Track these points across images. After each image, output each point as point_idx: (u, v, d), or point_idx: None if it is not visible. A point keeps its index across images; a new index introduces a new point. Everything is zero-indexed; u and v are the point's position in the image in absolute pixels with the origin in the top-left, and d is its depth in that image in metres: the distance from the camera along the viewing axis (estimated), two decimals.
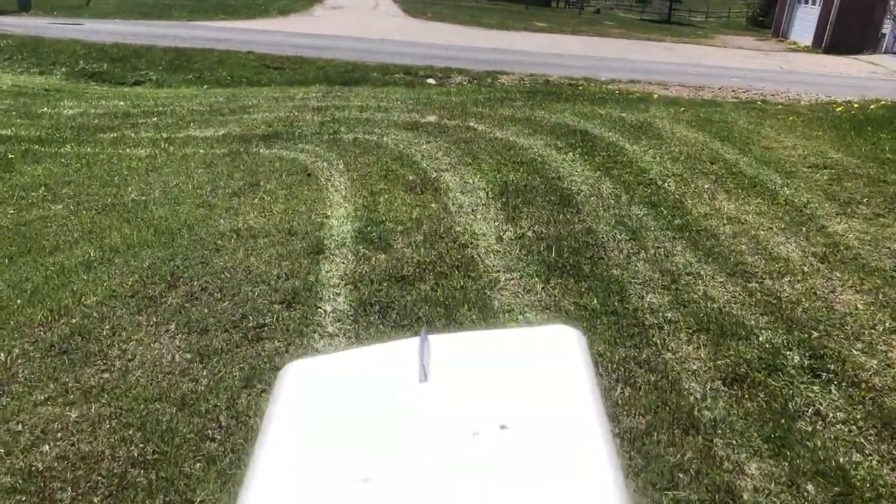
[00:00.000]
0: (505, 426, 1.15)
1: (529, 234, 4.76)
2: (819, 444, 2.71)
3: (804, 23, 24.16)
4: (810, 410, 2.92)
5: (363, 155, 6.65)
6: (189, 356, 3.56)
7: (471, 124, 7.69)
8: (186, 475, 2.77)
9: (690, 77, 14.55)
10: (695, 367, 3.26)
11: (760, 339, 3.44)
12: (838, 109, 9.40)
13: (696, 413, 2.93)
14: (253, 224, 5.14)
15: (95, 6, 18.77)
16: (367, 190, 5.75)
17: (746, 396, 3.03)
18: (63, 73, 11.32)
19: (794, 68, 17.58)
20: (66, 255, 4.95)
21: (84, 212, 5.77)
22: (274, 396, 1.39)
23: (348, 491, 1.07)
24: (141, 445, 2.96)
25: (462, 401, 1.24)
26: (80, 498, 2.70)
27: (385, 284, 4.14)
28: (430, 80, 12.42)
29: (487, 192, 5.61)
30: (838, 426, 2.84)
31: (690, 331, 3.55)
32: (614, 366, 3.25)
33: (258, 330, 3.73)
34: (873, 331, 3.57)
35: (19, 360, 3.59)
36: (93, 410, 3.20)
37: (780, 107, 9.80)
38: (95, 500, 2.68)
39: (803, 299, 3.86)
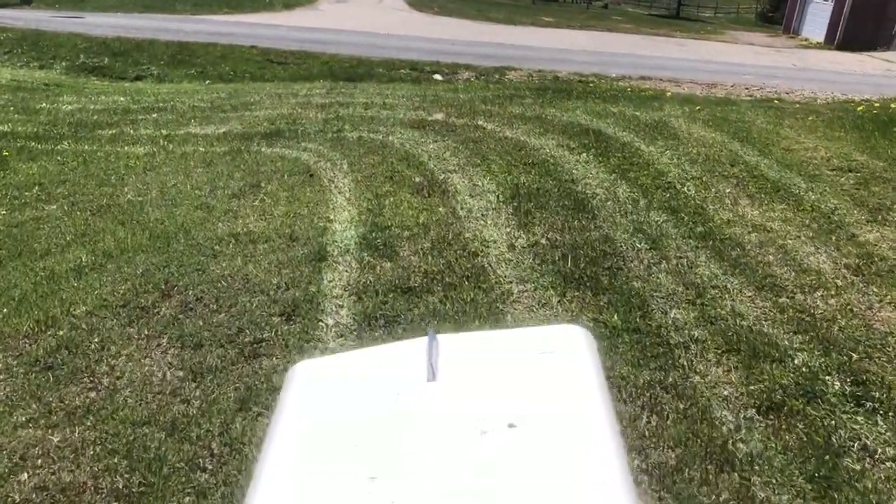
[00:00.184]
0: (513, 425, 1.13)
1: (543, 241, 4.51)
2: (869, 485, 2.46)
3: (816, 19, 23.74)
4: (856, 445, 2.67)
5: (368, 154, 6.40)
6: (181, 374, 3.32)
7: (479, 123, 7.43)
8: None
9: (702, 74, 14.23)
10: (726, 393, 3.00)
11: (796, 361, 3.18)
12: (859, 109, 9.09)
13: (730, 446, 2.67)
14: (253, 228, 4.90)
15: None
16: (371, 192, 5.50)
17: (784, 427, 2.77)
18: (63, 67, 11.09)
19: (807, 65, 17.23)
20: (57, 259, 4.72)
21: (78, 213, 5.54)
22: (282, 396, 1.38)
23: (356, 489, 1.05)
24: (126, 475, 2.72)
25: (470, 400, 1.23)
26: None
27: (391, 296, 3.89)
28: (437, 76, 12.15)
29: (498, 196, 5.35)
30: (888, 464, 2.58)
31: (719, 351, 3.29)
32: (639, 391, 2.99)
33: (255, 345, 3.49)
34: None
35: (1, 376, 3.36)
36: (76, 434, 2.97)
37: (797, 105, 9.49)
38: None
39: (839, 316, 3.60)
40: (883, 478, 2.51)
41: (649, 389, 3.01)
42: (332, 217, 5.08)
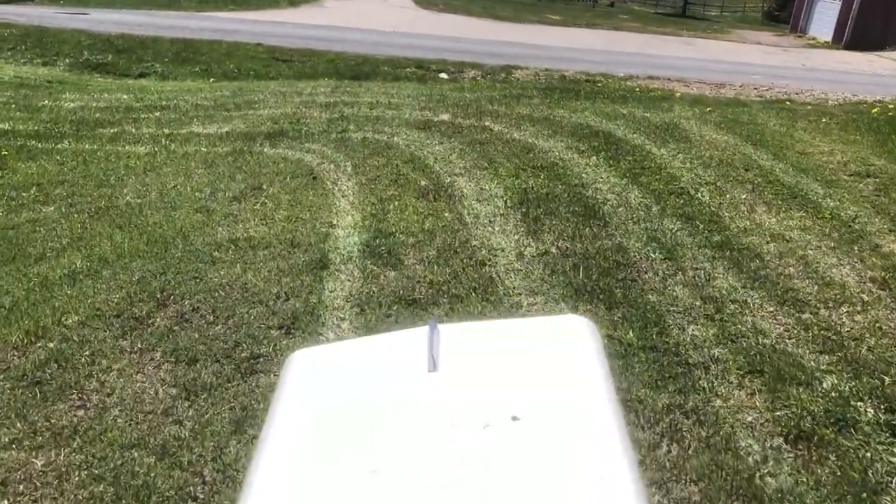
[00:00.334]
0: (516, 417, 1.11)
1: (553, 250, 4.30)
2: None
3: (824, 18, 23.40)
4: (895, 482, 2.46)
5: (372, 156, 6.19)
6: (174, 391, 3.13)
7: (486, 124, 7.21)
8: None
9: (710, 74, 13.97)
10: (750, 419, 2.79)
11: (824, 385, 2.97)
12: (874, 111, 8.84)
13: (757, 481, 2.47)
14: (253, 233, 4.71)
15: None
16: (375, 196, 5.30)
17: (815, 459, 2.56)
18: (67, 64, 10.90)
19: (815, 65, 16.94)
20: (51, 264, 4.54)
21: (76, 215, 5.35)
22: (280, 385, 1.34)
23: (357, 482, 1.02)
24: None
25: (472, 391, 1.19)
26: None
27: (395, 308, 3.69)
28: (443, 75, 11.92)
29: (506, 201, 5.14)
30: None
31: (741, 372, 3.08)
32: (657, 416, 2.79)
33: (252, 361, 3.30)
34: None
35: None
36: (62, 457, 2.78)
37: (809, 107, 9.24)
38: None
39: (867, 335, 3.38)
40: None
41: (669, 414, 2.81)
42: (334, 222, 4.89)
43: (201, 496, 2.56)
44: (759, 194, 5.31)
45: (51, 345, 3.52)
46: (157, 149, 6.96)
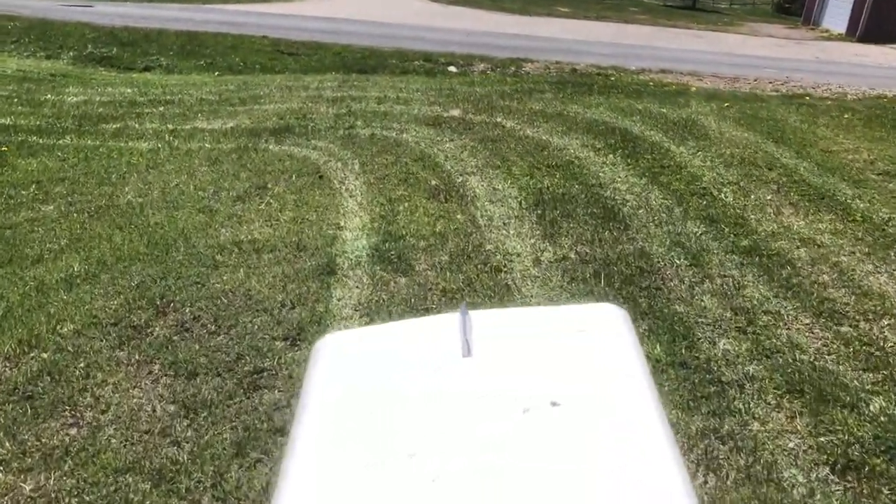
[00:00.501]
0: (556, 403, 1.09)
1: (572, 255, 4.07)
2: None
3: (837, 10, 22.96)
4: None
5: (381, 154, 5.97)
6: (172, 408, 2.93)
7: (498, 120, 6.97)
8: None
9: (723, 67, 13.66)
10: (792, 446, 2.57)
11: (871, 407, 2.74)
12: None
13: None
14: (257, 236, 4.50)
15: None
16: (384, 196, 5.08)
17: (867, 492, 2.34)
18: (70, 57, 10.70)
19: (830, 58, 16.57)
20: (48, 267, 4.34)
21: (75, 214, 5.15)
22: (311, 369, 1.32)
23: (397, 465, 1.01)
24: None
25: (508, 377, 1.17)
26: None
27: (406, 318, 3.47)
28: (452, 68, 11.66)
29: (520, 202, 4.91)
30: None
31: (779, 392, 2.86)
32: (692, 441, 2.57)
33: (255, 376, 3.09)
34: None
35: None
36: (51, 482, 2.59)
37: (829, 102, 8.96)
38: None
39: None
40: None
41: (703, 440, 2.59)
42: (342, 224, 4.67)
43: None
44: (785, 195, 5.06)
45: (44, 355, 3.32)
46: (160, 145, 6.76)
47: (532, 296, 3.65)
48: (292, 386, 3.00)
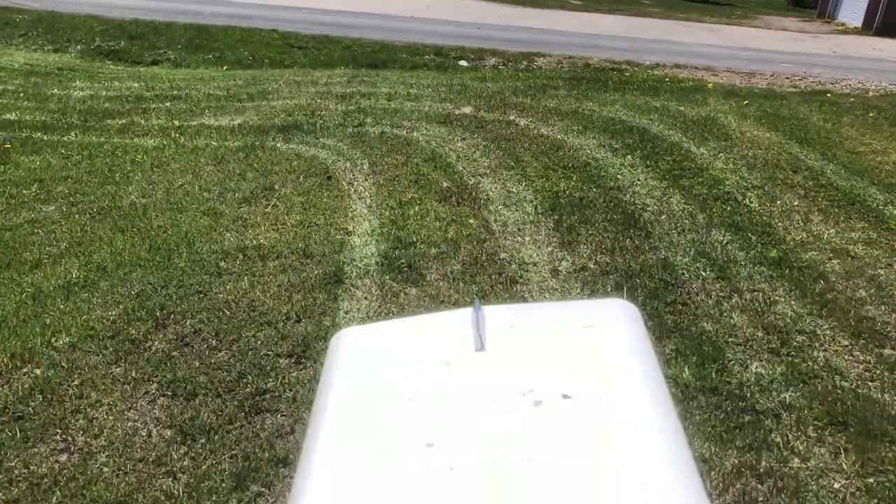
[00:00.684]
0: (567, 396, 1.10)
1: (591, 265, 3.84)
2: None
3: (853, 3, 22.41)
4: None
5: (391, 154, 5.74)
6: (169, 433, 2.73)
7: (511, 118, 6.72)
8: None
9: (739, 62, 13.31)
10: (838, 487, 2.34)
11: None
12: None
13: None
14: (263, 241, 4.29)
15: None
16: (394, 199, 4.86)
17: None
18: (78, 50, 10.49)
19: (847, 52, 16.15)
20: (46, 273, 4.15)
21: (77, 216, 4.96)
22: (328, 363, 1.33)
23: (414, 455, 1.03)
24: None
25: (521, 371, 1.17)
26: None
27: None
28: (463, 62, 11.39)
29: (536, 206, 4.67)
30: None
31: (820, 424, 2.62)
32: (726, 480, 2.34)
33: (258, 398, 2.89)
34: None
35: None
36: None
37: (851, 99, 8.63)
38: None
39: None
40: None
41: (739, 478, 2.36)
42: (350, 228, 4.46)
43: None
44: (813, 200, 4.80)
45: (37, 371, 3.13)
46: (165, 142, 6.56)
47: None
48: (296, 410, 2.79)
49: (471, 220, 4.50)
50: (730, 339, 3.14)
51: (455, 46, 12.21)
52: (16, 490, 2.49)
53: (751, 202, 4.72)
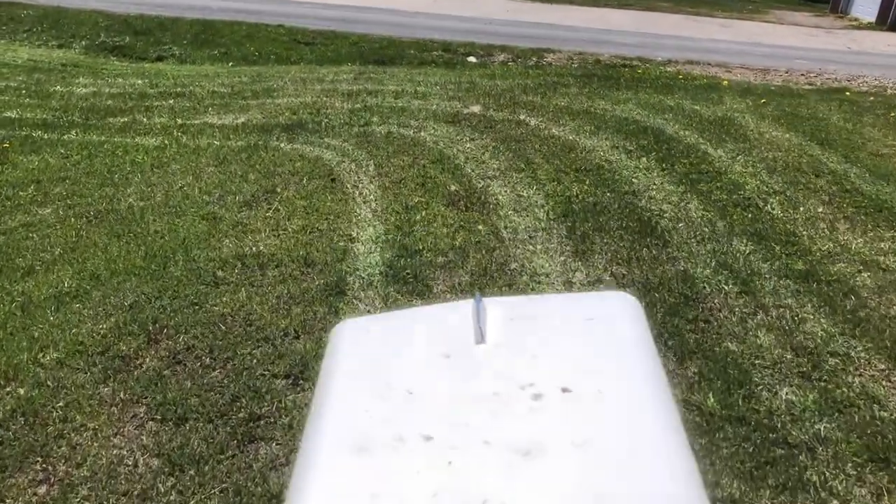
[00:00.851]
0: (567, 389, 1.09)
1: (607, 277, 3.61)
2: None
3: None
4: None
5: (397, 154, 5.52)
6: (156, 463, 2.53)
7: (521, 117, 6.47)
8: None
9: (752, 58, 12.98)
10: None
11: None
12: None
13: None
14: (262, 248, 4.08)
15: None
16: (400, 203, 4.64)
17: None
18: (83, 46, 10.31)
19: (862, 48, 15.76)
20: (38, 281, 3.97)
21: (73, 219, 4.78)
22: (329, 354, 1.31)
23: (412, 449, 1.01)
24: None
25: (521, 364, 1.16)
26: None
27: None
28: (471, 59, 11.13)
29: (547, 212, 4.44)
30: None
31: (859, 460, 2.39)
32: None
33: (251, 424, 2.68)
34: None
35: None
36: None
37: (871, 98, 8.32)
38: None
39: None
40: None
41: None
42: (354, 234, 4.24)
43: None
44: (838, 207, 4.54)
45: (21, 391, 2.94)
46: (167, 141, 6.36)
47: None
48: (292, 438, 2.59)
49: (479, 227, 4.27)
50: (756, 362, 2.91)
51: (464, 42, 11.95)
52: None
53: (773, 209, 4.47)
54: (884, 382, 2.80)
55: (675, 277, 3.55)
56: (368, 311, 3.42)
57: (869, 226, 4.27)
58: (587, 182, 4.85)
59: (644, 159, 5.29)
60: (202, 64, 9.93)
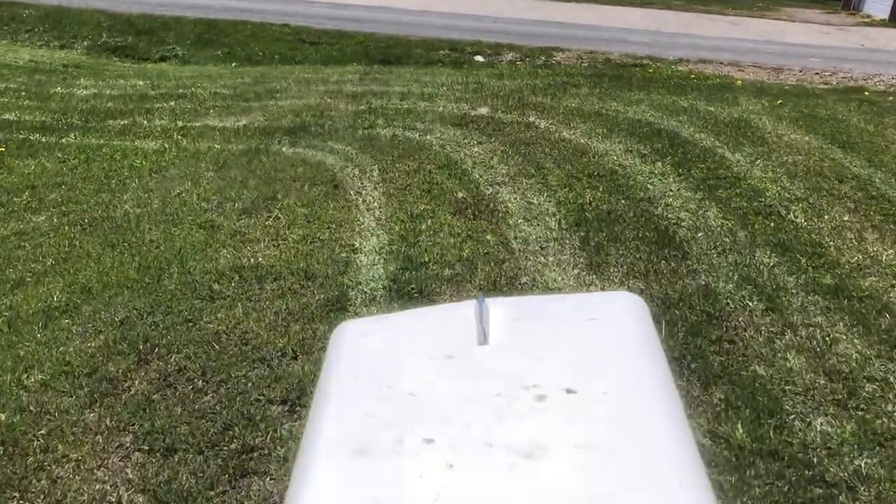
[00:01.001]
0: (571, 390, 1.06)
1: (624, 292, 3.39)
2: None
3: None
4: None
5: (402, 159, 5.32)
6: (142, 500, 2.35)
7: (531, 119, 6.26)
8: None
9: (765, 56, 12.71)
10: None
11: None
12: None
13: None
14: (261, 259, 3.89)
15: None
16: (405, 211, 4.44)
17: None
18: (84, 47, 10.16)
19: (876, 46, 15.44)
20: (28, 294, 3.80)
21: (67, 227, 4.61)
22: (329, 357, 1.29)
23: (412, 451, 0.99)
24: None
25: (524, 365, 1.14)
26: None
27: None
28: (479, 58, 10.92)
29: (559, 220, 4.23)
30: None
31: None
32: None
33: (244, 456, 2.49)
34: None
35: None
36: None
37: (890, 98, 8.06)
38: None
39: None
40: None
41: None
42: (357, 245, 4.05)
43: None
44: (865, 215, 4.31)
45: (2, 416, 2.77)
46: (167, 145, 6.19)
47: None
48: (287, 473, 2.39)
49: (488, 237, 4.07)
50: (787, 388, 2.70)
51: (471, 41, 11.73)
52: None
53: (796, 217, 4.24)
54: None
55: (696, 293, 3.34)
56: None
57: None
58: (600, 188, 4.64)
59: (659, 164, 5.07)
60: (205, 64, 9.77)
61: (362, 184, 4.92)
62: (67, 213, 4.87)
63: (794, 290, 3.38)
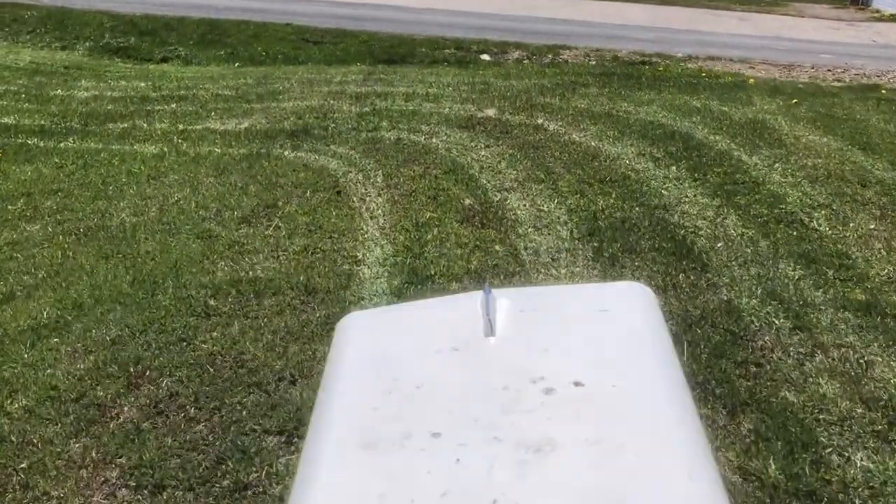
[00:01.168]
0: (579, 383, 1.04)
1: None
2: None
3: None
4: None
5: (407, 164, 5.11)
6: None
7: (539, 121, 6.04)
8: None
9: (775, 53, 12.42)
10: None
11: None
12: None
13: None
14: (260, 273, 3.70)
15: None
16: (410, 219, 4.24)
17: None
18: (86, 48, 9.97)
19: (888, 41, 15.11)
20: (17, 309, 3.62)
21: (61, 237, 4.43)
22: (334, 349, 1.28)
23: (420, 445, 0.98)
24: None
25: (532, 357, 1.12)
26: None
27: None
28: (485, 56, 10.69)
29: (571, 229, 4.02)
30: None
31: None
32: None
33: (237, 495, 2.30)
34: None
35: None
36: None
37: None
38: None
39: None
40: None
41: None
42: (360, 256, 3.85)
43: None
44: (892, 222, 4.08)
45: None
46: (166, 149, 6.00)
47: None
48: None
49: (497, 247, 3.86)
50: (821, 417, 2.49)
51: (477, 39, 11.50)
52: None
53: (819, 225, 4.02)
54: None
55: (718, 309, 3.13)
56: None
57: None
58: (613, 194, 4.42)
59: (673, 168, 4.85)
60: (208, 65, 9.57)
61: (366, 190, 4.72)
62: (62, 222, 4.69)
63: (822, 307, 3.16)
